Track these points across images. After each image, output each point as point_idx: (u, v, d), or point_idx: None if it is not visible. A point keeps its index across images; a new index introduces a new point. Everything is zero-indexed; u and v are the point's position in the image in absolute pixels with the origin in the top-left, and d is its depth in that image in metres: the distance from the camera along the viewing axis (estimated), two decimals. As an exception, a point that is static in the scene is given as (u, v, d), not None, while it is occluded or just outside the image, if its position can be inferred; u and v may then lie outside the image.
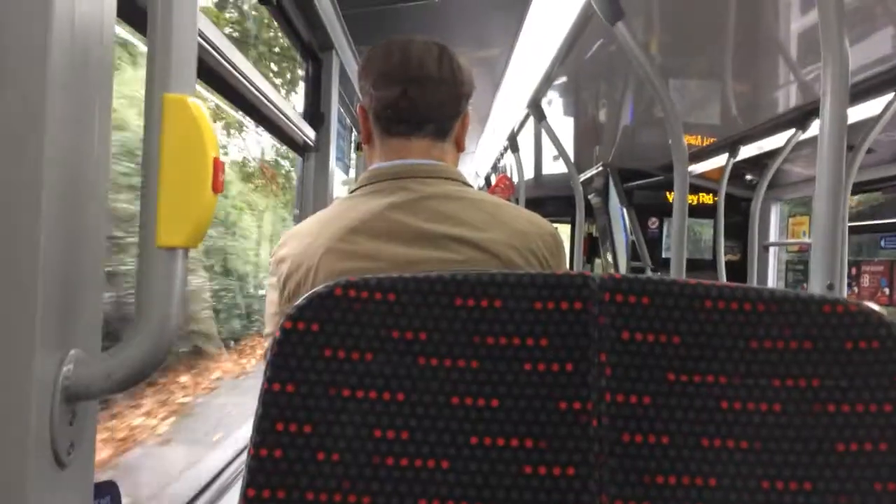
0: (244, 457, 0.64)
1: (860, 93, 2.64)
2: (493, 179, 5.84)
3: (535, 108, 3.52)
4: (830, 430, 0.65)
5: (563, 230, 7.35)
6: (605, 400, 0.64)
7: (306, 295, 0.64)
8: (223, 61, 1.34)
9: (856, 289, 4.12)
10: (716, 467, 0.64)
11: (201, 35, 1.20)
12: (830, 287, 1.28)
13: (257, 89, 1.58)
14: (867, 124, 2.71)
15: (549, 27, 2.28)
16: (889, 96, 2.57)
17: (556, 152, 4.19)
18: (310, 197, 2.29)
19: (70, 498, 0.62)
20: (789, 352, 0.65)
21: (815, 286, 1.31)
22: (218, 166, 0.57)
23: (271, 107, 1.73)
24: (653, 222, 5.42)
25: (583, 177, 5.80)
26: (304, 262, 1.00)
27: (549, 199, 6.78)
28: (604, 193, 5.76)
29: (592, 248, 6.88)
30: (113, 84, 0.65)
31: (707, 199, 5.30)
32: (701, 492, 0.63)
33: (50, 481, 0.58)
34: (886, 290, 3.93)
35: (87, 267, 0.62)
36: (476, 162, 6.39)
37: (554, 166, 5.73)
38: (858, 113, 2.80)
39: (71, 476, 0.61)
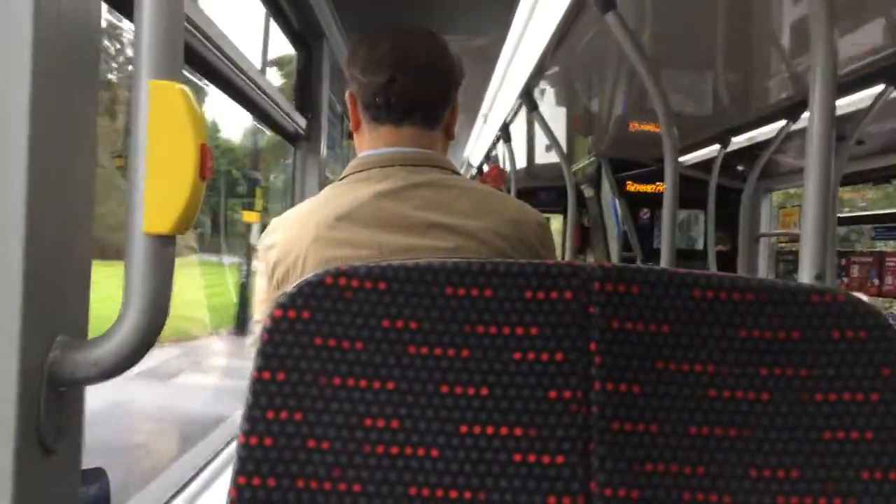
0: (234, 445, 0.64)
1: (851, 83, 2.65)
2: (486, 169, 5.84)
3: (528, 98, 3.51)
4: (817, 419, 0.65)
5: (556, 221, 7.36)
6: (594, 389, 0.64)
7: (296, 283, 0.64)
8: (212, 48, 1.33)
9: (845, 279, 4.15)
10: (703, 455, 0.64)
11: (189, 21, 1.19)
12: (819, 277, 1.30)
13: (247, 76, 1.57)
14: (858, 115, 2.73)
15: (541, 16, 2.28)
16: (879, 87, 2.58)
17: (548, 142, 4.19)
18: (302, 185, 2.28)
19: (57, 484, 0.61)
20: (777, 341, 0.65)
21: (805, 276, 1.32)
22: (205, 153, 0.56)
23: (261, 94, 1.72)
24: (644, 213, 5.42)
25: (575, 167, 5.80)
26: (292, 250, 1.00)
27: (541, 190, 6.77)
28: (596, 184, 5.77)
29: (584, 238, 6.89)
30: (99, 71, 0.64)
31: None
32: (689, 479, 0.64)
33: (36, 468, 0.57)
34: (875, 281, 3.96)
35: (75, 253, 0.62)
36: (468, 151, 6.39)
37: (546, 156, 5.72)
38: (849, 104, 2.81)
39: (58, 463, 0.60)
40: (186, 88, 0.57)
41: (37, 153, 0.55)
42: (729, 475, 0.64)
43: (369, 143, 1.10)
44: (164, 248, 0.58)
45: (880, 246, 4.13)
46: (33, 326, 0.56)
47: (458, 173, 1.09)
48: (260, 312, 1.11)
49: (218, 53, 1.35)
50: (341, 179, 1.08)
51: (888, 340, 0.65)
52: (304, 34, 2.26)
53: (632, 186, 5.42)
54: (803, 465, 0.64)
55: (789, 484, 0.64)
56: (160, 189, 0.56)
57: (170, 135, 0.56)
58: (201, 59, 1.33)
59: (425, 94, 1.08)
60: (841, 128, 2.83)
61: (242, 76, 1.54)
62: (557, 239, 6.82)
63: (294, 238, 1.01)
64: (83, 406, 0.65)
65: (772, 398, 0.65)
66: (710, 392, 0.65)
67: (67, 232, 0.60)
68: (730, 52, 2.81)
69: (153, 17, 0.57)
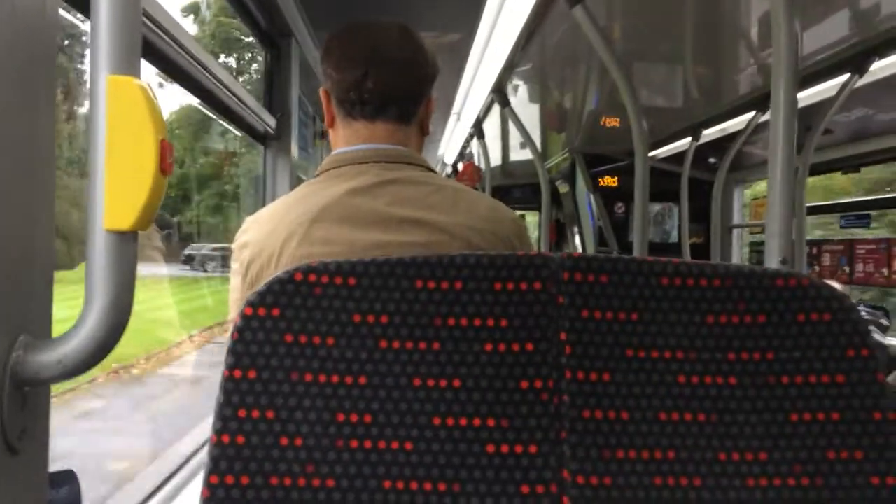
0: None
1: (817, 74, 2.69)
2: (461, 167, 5.84)
3: (500, 94, 3.52)
4: (784, 402, 0.66)
5: (531, 217, 7.38)
6: (565, 378, 0.65)
7: (266, 281, 0.64)
8: (176, 46, 1.31)
9: (817, 268, 4.22)
10: (674, 440, 0.65)
11: (152, 19, 1.17)
12: (784, 262, 1.32)
13: (213, 75, 1.55)
14: (824, 105, 2.77)
15: (509, 10, 2.28)
16: (845, 77, 2.62)
17: (522, 139, 4.20)
18: (273, 185, 2.27)
19: (23, 484, 0.61)
20: (744, 326, 0.66)
21: (771, 262, 1.35)
22: (165, 148, 0.55)
23: (228, 94, 1.70)
24: (619, 207, 5.45)
25: (549, 163, 5.83)
26: (266, 248, 0.99)
27: (517, 187, 6.79)
28: (570, 179, 5.79)
29: (560, 234, 6.92)
30: (55, 69, 0.63)
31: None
32: (660, 464, 0.64)
33: (1, 468, 0.57)
34: (846, 269, 4.02)
35: (37, 253, 0.61)
36: (443, 149, 6.39)
37: (521, 153, 5.74)
38: (816, 94, 2.85)
39: (24, 462, 0.60)
40: (145, 84, 0.56)
41: None
42: (699, 459, 0.65)
43: (344, 139, 1.10)
44: (126, 244, 0.57)
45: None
46: None
47: (432, 170, 1.09)
48: (235, 311, 1.10)
49: (183, 53, 1.33)
50: (316, 177, 1.08)
51: (852, 322, 0.66)
52: (272, 33, 2.24)
53: (606, 181, 5.45)
54: (771, 448, 0.65)
55: (758, 466, 0.65)
56: (120, 185, 0.55)
57: (129, 130, 0.55)
58: (165, 57, 1.31)
59: (399, 90, 1.07)
60: (808, 118, 2.87)
61: (208, 75, 1.53)
62: (533, 235, 6.85)
63: (267, 236, 1.00)
64: (48, 406, 0.64)
65: (740, 382, 0.66)
66: (679, 378, 0.66)
67: (28, 232, 0.59)
68: (698, 45, 2.84)
69: (110, 12, 0.56)
